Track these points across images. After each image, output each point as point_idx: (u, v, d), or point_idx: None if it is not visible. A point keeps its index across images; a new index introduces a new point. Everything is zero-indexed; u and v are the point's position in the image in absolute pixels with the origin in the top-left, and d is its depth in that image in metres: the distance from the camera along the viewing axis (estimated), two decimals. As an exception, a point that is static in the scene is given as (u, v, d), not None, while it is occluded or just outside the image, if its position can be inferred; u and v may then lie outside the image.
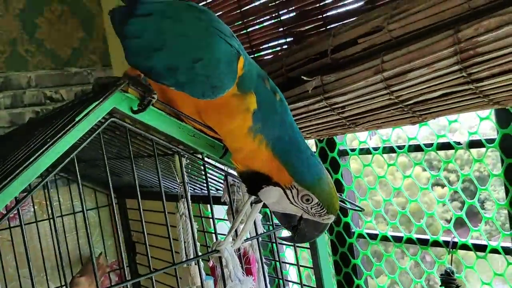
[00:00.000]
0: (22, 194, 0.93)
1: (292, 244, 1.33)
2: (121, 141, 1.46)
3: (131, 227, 2.50)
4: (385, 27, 1.09)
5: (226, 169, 1.24)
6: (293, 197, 0.97)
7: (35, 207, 2.35)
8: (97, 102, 0.96)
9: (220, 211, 2.14)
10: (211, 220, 2.10)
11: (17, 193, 0.93)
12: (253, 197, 1.13)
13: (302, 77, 1.25)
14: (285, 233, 1.32)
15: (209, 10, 1.06)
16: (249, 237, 1.26)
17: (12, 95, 2.31)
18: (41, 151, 0.92)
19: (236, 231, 1.20)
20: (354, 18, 1.42)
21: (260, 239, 1.28)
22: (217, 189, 1.87)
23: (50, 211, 2.27)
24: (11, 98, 2.31)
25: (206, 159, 1.18)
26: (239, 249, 1.26)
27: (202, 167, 1.58)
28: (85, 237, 2.46)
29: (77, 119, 0.95)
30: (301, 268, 1.32)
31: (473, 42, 0.93)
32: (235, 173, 1.24)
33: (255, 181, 1.01)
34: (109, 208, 2.51)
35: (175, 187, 1.88)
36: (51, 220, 2.21)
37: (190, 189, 1.89)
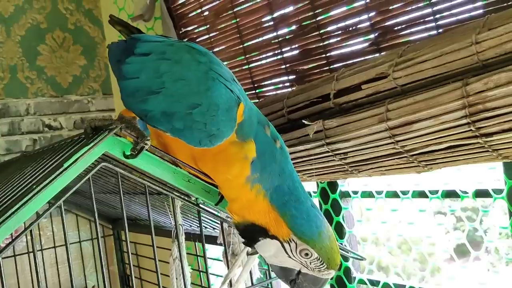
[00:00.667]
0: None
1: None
2: (116, 177, 1.42)
3: (126, 260, 2.44)
4: (390, 74, 1.06)
5: (220, 215, 1.19)
6: (291, 250, 0.92)
7: (28, 237, 2.30)
8: (87, 148, 0.92)
9: (217, 250, 2.09)
10: (208, 258, 2.06)
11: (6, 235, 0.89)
12: (245, 249, 1.08)
13: (303, 121, 1.21)
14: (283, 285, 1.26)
15: (209, 52, 1.02)
16: (244, 287, 1.20)
17: (10, 122, 2.28)
18: (26, 198, 0.88)
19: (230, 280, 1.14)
20: (357, 60, 1.40)
21: (256, 288, 1.23)
22: (214, 228, 1.82)
23: (32, 243, 2.23)
24: (9, 125, 2.28)
25: (200, 204, 1.14)
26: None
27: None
28: (78, 269, 2.40)
29: (65, 165, 0.91)
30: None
31: (482, 97, 0.89)
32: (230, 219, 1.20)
33: (251, 233, 0.96)
34: (103, 240, 2.45)
35: (173, 223, 1.83)
36: (38, 252, 2.18)
37: (187, 226, 1.84)
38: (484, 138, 0.93)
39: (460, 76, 0.95)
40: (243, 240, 1.00)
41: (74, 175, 0.93)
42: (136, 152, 0.95)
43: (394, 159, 1.10)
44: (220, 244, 1.32)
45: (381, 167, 1.17)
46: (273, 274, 1.35)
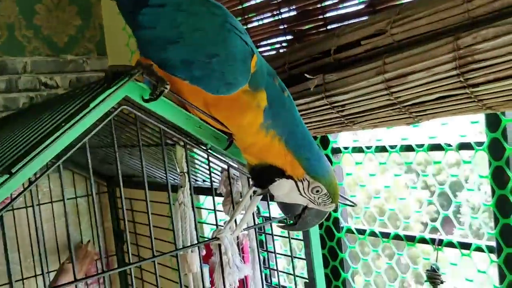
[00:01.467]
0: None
1: (287, 236, 1.39)
2: (117, 129, 1.48)
3: (121, 216, 2.53)
4: (388, 30, 1.15)
5: (227, 160, 1.28)
6: (303, 188, 1.05)
7: (25, 193, 2.35)
8: (112, 90, 0.99)
9: (209, 202, 2.18)
10: (202, 210, 2.15)
11: (30, 174, 0.97)
12: (252, 190, 1.18)
13: (305, 75, 1.29)
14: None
15: (222, 5, 1.09)
16: (246, 227, 1.30)
17: (7, 80, 2.32)
18: (56, 135, 0.95)
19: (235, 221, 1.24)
20: (354, 20, 1.48)
21: (256, 229, 1.33)
22: (204, 180, 1.91)
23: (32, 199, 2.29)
24: (6, 82, 2.32)
25: (209, 150, 1.22)
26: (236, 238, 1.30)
27: (197, 158, 1.63)
28: (74, 224, 2.48)
29: (91, 106, 0.98)
30: (288, 259, 1.37)
31: (471, 50, 0.99)
32: (236, 165, 1.29)
33: (266, 174, 1.06)
34: (98, 196, 2.52)
35: (170, 177, 1.91)
36: (35, 207, 2.24)
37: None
38: (471, 89, 1.04)
39: (452, 32, 1.05)
40: (256, 182, 1.10)
41: (98, 115, 1.00)
42: (156, 96, 1.03)
43: (387, 110, 1.20)
44: (220, 194, 1.41)
45: (374, 119, 1.27)
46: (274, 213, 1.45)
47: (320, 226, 1.79)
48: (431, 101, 1.13)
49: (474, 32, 0.99)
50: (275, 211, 1.42)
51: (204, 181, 1.88)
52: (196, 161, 1.73)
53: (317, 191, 1.04)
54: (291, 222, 1.13)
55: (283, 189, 1.06)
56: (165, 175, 1.96)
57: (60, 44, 2.49)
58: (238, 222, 1.22)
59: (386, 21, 1.17)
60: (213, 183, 1.87)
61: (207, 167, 1.75)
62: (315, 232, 1.32)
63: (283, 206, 1.11)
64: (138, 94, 1.05)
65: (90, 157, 1.96)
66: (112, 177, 2.49)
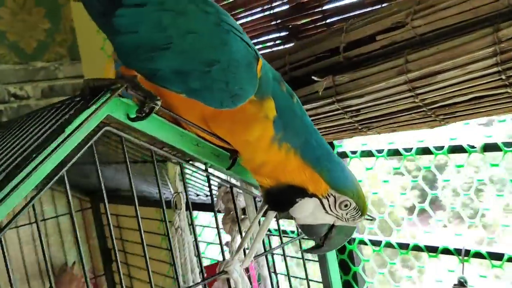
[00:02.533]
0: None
1: (301, 257, 1.24)
2: (99, 145, 1.31)
3: (106, 233, 2.35)
4: (409, 23, 0.99)
5: (229, 180, 1.12)
6: (329, 206, 0.90)
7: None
8: (91, 110, 0.82)
9: (205, 218, 2.03)
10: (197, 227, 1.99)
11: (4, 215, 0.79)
12: (261, 214, 1.02)
13: (313, 77, 1.14)
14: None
15: (213, 1, 0.92)
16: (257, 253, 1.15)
17: (-27, 90, 2.11)
18: (26, 169, 0.78)
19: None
20: (356, 13, 1.33)
21: (269, 255, 1.17)
22: (198, 195, 1.76)
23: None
24: (-27, 93, 2.11)
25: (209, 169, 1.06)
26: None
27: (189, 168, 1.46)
28: (57, 244, 2.29)
29: (67, 131, 0.81)
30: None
31: (516, 42, 0.84)
32: (238, 183, 1.13)
33: (286, 196, 0.90)
34: (81, 213, 2.34)
35: (158, 192, 1.74)
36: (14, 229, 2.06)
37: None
38: (514, 87, 0.89)
39: (488, 22, 0.90)
40: (272, 206, 0.94)
41: (76, 142, 0.83)
42: (144, 113, 0.86)
43: (411, 113, 1.06)
44: (219, 211, 1.26)
45: (394, 123, 1.12)
46: (285, 239, 1.30)
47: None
48: (464, 102, 0.98)
49: (518, 21, 0.84)
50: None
51: (197, 195, 1.72)
52: (187, 172, 1.56)
53: (346, 205, 0.90)
54: (317, 243, 0.97)
55: (306, 209, 0.91)
56: (153, 190, 1.84)
57: (29, 50, 2.28)
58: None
59: (406, 11, 1.01)
60: (194, 197, 1.73)
61: (201, 179, 1.60)
62: (332, 255, 1.18)
63: (307, 228, 0.95)
64: (123, 112, 0.88)
65: (70, 172, 1.78)
66: (95, 192, 2.31)
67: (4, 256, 0.84)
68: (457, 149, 1.31)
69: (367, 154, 1.51)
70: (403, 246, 1.46)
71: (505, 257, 1.25)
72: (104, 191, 0.96)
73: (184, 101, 0.90)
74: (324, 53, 1.17)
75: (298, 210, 0.91)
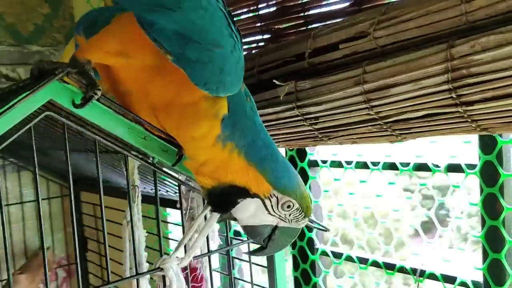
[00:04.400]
0: None
1: (247, 260, 1.22)
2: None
3: (84, 222, 2.34)
4: (371, 33, 0.97)
5: (179, 177, 1.11)
6: (271, 206, 0.89)
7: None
8: (27, 93, 0.81)
9: (176, 214, 2.01)
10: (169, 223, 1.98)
11: None
12: (207, 210, 1.01)
13: (274, 81, 1.12)
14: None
15: None
16: (199, 254, 1.13)
17: (-31, 70, 2.13)
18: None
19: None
20: (337, 20, 1.31)
21: (211, 256, 1.15)
22: (175, 192, 1.74)
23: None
24: (-30, 73, 2.12)
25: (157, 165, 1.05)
26: (186, 267, 1.13)
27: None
28: (32, 229, 2.29)
29: (2, 110, 0.80)
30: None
31: (467, 61, 0.82)
32: (190, 183, 1.12)
33: (229, 196, 0.89)
34: (61, 200, 2.35)
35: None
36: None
37: (149, 189, 1.75)
38: (465, 107, 0.87)
39: (445, 38, 0.88)
40: (214, 207, 0.93)
41: (12, 122, 0.83)
42: (84, 101, 0.85)
43: (367, 126, 1.03)
44: (179, 209, 1.24)
45: (352, 134, 1.10)
46: (235, 241, 1.29)
47: (294, 246, 1.63)
48: (418, 118, 0.95)
49: (472, 40, 0.82)
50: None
51: (167, 191, 1.70)
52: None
53: (288, 206, 0.89)
54: (260, 246, 0.95)
55: (248, 210, 0.90)
56: (121, 181, 1.82)
57: (25, 33, 2.29)
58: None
59: (370, 21, 0.99)
60: (172, 194, 1.71)
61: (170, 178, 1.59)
62: (280, 260, 1.16)
63: (250, 230, 0.94)
64: (68, 98, 0.88)
65: (48, 158, 1.77)
66: (76, 180, 2.31)
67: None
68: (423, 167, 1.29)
69: (337, 164, 1.49)
70: (363, 261, 1.43)
71: (458, 281, 1.23)
72: (70, 177, 0.99)
73: (137, 88, 0.90)
74: (291, 58, 1.15)
75: (240, 211, 0.90)
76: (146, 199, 1.38)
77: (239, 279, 1.64)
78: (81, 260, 2.36)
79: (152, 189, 1.76)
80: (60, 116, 0.90)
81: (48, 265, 2.17)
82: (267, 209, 0.89)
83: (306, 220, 0.93)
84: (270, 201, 0.89)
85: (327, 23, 1.38)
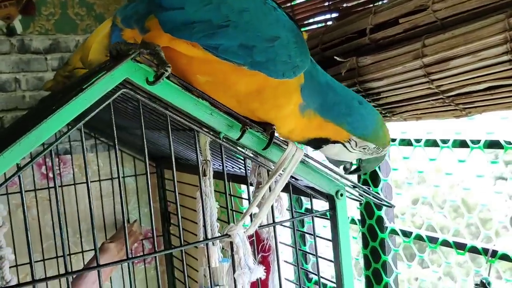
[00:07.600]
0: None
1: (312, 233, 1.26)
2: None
3: (168, 197, 2.50)
4: (429, 6, 0.97)
5: (245, 152, 1.17)
6: (351, 147, 1.03)
7: (75, 169, 2.39)
8: (105, 72, 0.91)
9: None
10: (242, 200, 2.06)
11: (18, 159, 0.91)
12: (272, 180, 1.06)
13: (335, 57, 1.14)
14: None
15: None
16: (265, 223, 1.19)
17: (59, 58, 2.34)
18: (46, 119, 0.89)
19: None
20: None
21: (282, 230, 1.21)
22: (240, 168, 1.81)
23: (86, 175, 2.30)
24: (59, 60, 2.34)
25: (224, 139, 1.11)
26: (252, 235, 1.19)
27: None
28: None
29: (84, 87, 0.91)
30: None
31: (528, 29, 0.80)
32: (258, 158, 1.18)
33: (314, 143, 1.05)
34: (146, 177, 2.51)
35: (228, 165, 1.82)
36: (84, 184, 2.26)
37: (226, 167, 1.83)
38: (527, 78, 0.84)
39: (505, 8, 0.85)
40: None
41: (93, 98, 0.92)
42: (156, 78, 0.94)
43: (429, 100, 1.03)
44: (251, 184, 1.31)
45: (416, 110, 1.09)
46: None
47: (363, 224, 1.64)
48: (480, 91, 0.94)
49: (532, 7, 0.79)
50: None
51: (240, 168, 1.78)
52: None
53: (365, 148, 1.03)
54: (355, 168, 1.12)
55: (332, 151, 1.06)
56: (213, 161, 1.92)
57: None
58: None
59: (429, -6, 0.98)
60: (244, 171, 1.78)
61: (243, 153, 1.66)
62: (345, 235, 1.18)
63: (336, 162, 1.11)
64: (142, 76, 0.96)
65: (135, 137, 1.90)
66: (161, 158, 2.47)
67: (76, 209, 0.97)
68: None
69: (407, 143, 1.48)
70: (433, 240, 1.42)
71: (531, 262, 1.18)
72: (146, 152, 1.11)
73: (215, 78, 0.98)
74: (353, 34, 1.17)
75: (325, 151, 1.07)
76: (220, 175, 1.46)
77: (305, 251, 1.68)
78: (164, 233, 2.54)
79: (228, 166, 1.86)
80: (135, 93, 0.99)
81: (134, 236, 2.36)
82: (348, 149, 1.03)
83: (386, 150, 1.06)
84: (350, 144, 1.02)
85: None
